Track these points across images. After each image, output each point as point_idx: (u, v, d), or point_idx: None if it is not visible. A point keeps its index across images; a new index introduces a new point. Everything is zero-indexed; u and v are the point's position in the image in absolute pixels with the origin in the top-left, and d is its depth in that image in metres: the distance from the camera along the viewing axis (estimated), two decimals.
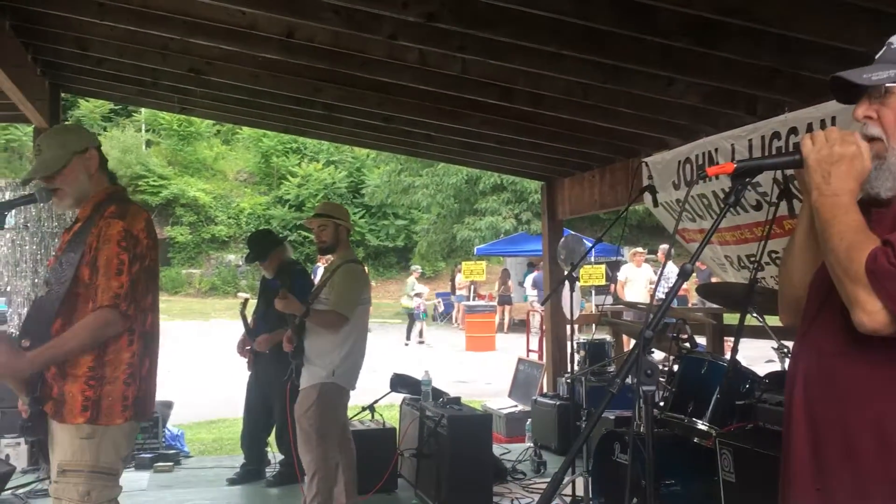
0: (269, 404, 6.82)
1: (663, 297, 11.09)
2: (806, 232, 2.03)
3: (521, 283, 24.87)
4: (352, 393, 5.31)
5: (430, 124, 7.36)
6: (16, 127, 29.55)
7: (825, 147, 1.85)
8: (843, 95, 1.96)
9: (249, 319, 6.82)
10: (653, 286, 14.48)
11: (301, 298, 5.32)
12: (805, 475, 1.91)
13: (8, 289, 7.95)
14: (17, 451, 6.86)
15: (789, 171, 2.13)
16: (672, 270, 13.33)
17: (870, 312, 1.73)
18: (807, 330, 1.98)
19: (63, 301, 3.06)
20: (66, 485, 3.05)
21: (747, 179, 1.93)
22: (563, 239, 8.43)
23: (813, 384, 1.91)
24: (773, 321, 4.24)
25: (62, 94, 7.72)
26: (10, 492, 6.08)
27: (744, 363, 4.84)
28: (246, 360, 6.92)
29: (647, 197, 6.45)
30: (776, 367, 4.88)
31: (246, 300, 6.88)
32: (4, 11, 5.58)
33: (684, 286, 16.99)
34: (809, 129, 4.65)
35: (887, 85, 1.85)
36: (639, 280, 15.42)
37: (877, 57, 1.92)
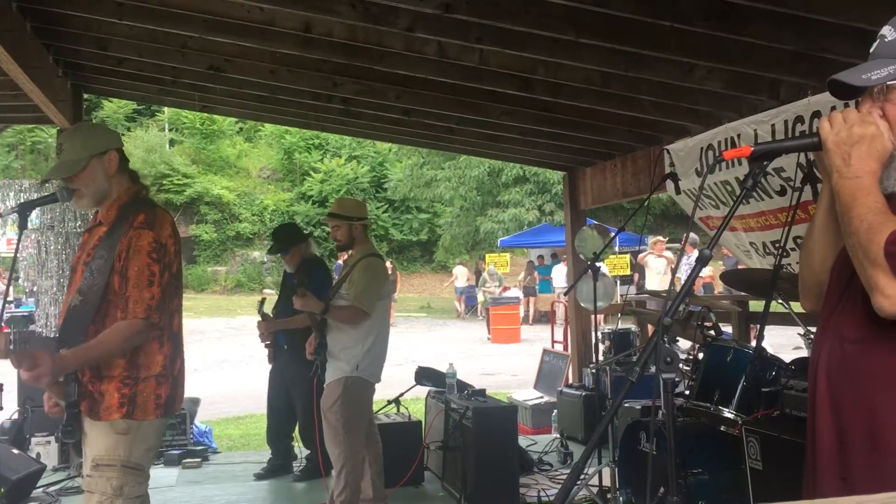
0: (290, 399, 6.86)
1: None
2: (826, 215, 2.01)
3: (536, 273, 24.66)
4: (377, 386, 5.32)
5: (451, 116, 7.33)
6: (41, 129, 29.91)
7: (844, 129, 1.81)
8: (844, 94, 1.93)
9: (271, 314, 6.84)
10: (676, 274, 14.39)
11: (319, 293, 5.32)
12: (830, 463, 1.88)
13: (35, 288, 8.06)
14: (47, 450, 6.95)
15: (812, 156, 2.10)
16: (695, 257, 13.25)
17: (889, 296, 1.69)
18: (829, 316, 1.95)
19: (97, 309, 3.13)
20: (99, 479, 3.10)
21: (765, 163, 1.90)
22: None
23: (835, 372, 1.87)
24: (799, 307, 4.19)
25: (84, 95, 7.78)
26: (41, 489, 6.17)
27: (771, 350, 4.80)
28: (267, 352, 6.96)
29: (670, 184, 6.40)
30: (803, 353, 4.83)
31: (263, 300, 6.89)
32: (25, 13, 5.62)
33: (709, 273, 16.88)
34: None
35: (888, 83, 1.82)
36: (661, 268, 15.34)
37: (871, 51, 1.88)
